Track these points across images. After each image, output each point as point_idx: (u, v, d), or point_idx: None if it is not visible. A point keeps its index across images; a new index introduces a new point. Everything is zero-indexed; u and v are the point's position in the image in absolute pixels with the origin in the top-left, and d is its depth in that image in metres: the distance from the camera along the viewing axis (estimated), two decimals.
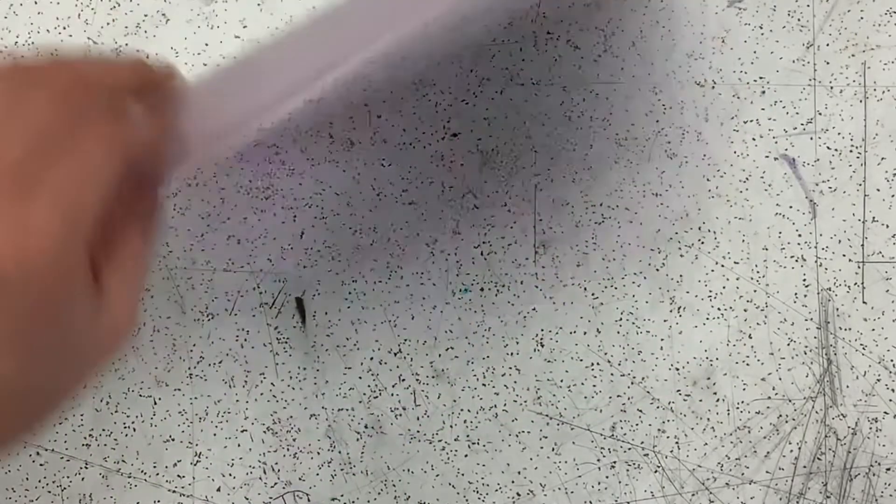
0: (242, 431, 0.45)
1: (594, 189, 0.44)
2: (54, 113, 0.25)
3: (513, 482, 0.45)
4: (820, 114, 0.45)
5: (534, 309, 0.45)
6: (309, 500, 0.45)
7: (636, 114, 0.45)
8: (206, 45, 0.45)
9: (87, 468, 0.45)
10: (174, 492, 0.44)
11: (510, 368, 0.45)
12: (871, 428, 0.45)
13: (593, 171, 0.44)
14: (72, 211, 0.24)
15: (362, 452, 0.45)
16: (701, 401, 0.45)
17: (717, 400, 0.45)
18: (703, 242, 0.45)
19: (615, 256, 0.45)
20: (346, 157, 0.43)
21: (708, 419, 0.45)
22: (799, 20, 0.45)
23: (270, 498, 0.45)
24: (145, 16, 0.45)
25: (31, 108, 0.25)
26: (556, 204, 0.44)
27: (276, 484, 0.45)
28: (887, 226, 0.45)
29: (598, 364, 0.45)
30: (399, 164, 0.43)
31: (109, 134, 0.26)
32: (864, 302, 0.45)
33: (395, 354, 0.45)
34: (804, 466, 0.45)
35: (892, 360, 0.45)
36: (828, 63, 0.45)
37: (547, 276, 0.44)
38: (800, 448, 0.45)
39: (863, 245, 0.45)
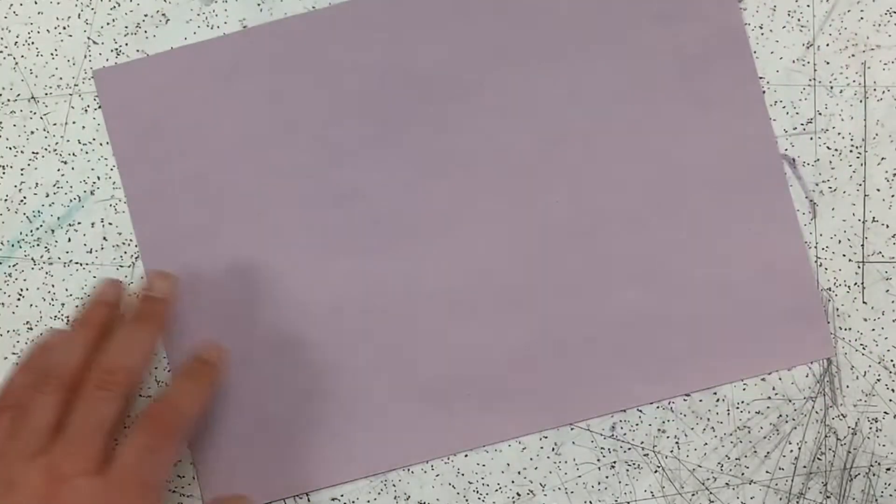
0: None
1: None
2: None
3: (513, 482, 0.45)
4: (820, 114, 0.45)
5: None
6: (309, 501, 0.45)
7: None
8: None
9: None
10: (174, 492, 0.44)
11: None
12: (871, 428, 0.45)
13: None
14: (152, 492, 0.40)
15: None
16: (701, 401, 0.45)
17: (717, 400, 0.45)
18: None
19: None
20: None
21: (708, 419, 0.45)
22: (799, 20, 0.45)
23: (271, 497, 0.45)
24: (145, 16, 0.45)
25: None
26: None
27: None
28: (887, 226, 0.45)
29: None
30: None
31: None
32: (864, 302, 0.45)
33: None
34: (804, 466, 0.45)
35: (892, 360, 0.45)
36: (828, 63, 0.45)
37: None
38: (800, 448, 0.45)
39: (863, 245, 0.45)
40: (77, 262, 0.45)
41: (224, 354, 0.43)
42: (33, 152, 0.45)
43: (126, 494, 0.39)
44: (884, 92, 0.45)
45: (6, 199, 0.45)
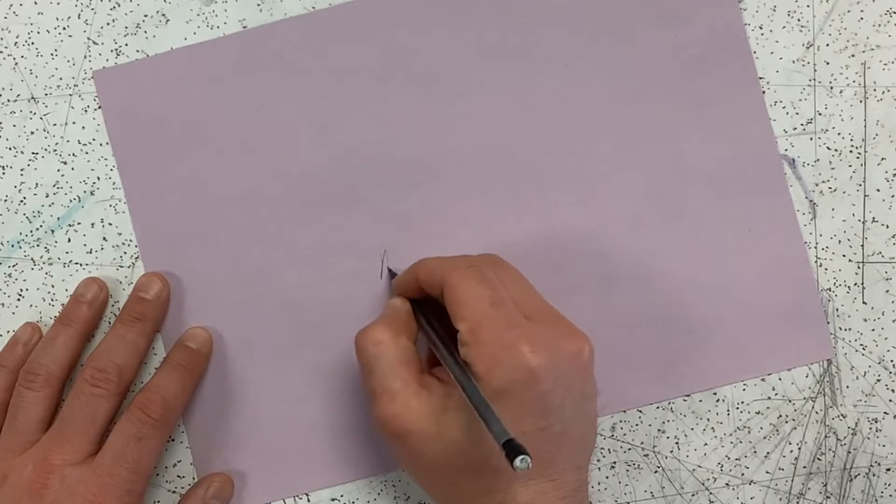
0: None
1: None
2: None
3: None
4: (820, 114, 0.45)
5: None
6: (309, 501, 0.45)
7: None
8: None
9: None
10: (174, 492, 0.44)
11: None
12: (871, 428, 0.45)
13: None
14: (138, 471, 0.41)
15: None
16: (701, 401, 0.45)
17: (717, 400, 0.45)
18: None
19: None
20: None
21: (708, 419, 0.45)
22: (799, 20, 0.45)
23: (271, 498, 0.45)
24: (145, 16, 0.45)
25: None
26: None
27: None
28: (887, 226, 0.45)
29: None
30: None
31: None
32: (864, 302, 0.45)
33: None
34: (804, 467, 0.45)
35: (892, 360, 0.45)
36: (828, 63, 0.45)
37: None
38: (800, 448, 0.45)
39: (863, 245, 0.45)
40: (77, 263, 0.45)
41: (210, 338, 0.44)
42: (33, 152, 0.45)
43: (113, 481, 0.40)
44: (884, 92, 0.45)
45: (6, 199, 0.45)
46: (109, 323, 0.44)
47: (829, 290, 0.45)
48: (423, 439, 0.37)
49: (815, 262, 0.45)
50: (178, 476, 0.44)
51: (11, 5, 0.45)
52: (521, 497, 0.36)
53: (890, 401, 0.45)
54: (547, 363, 0.36)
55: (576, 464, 0.38)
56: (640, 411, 0.45)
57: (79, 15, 0.45)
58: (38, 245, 0.45)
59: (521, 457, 0.31)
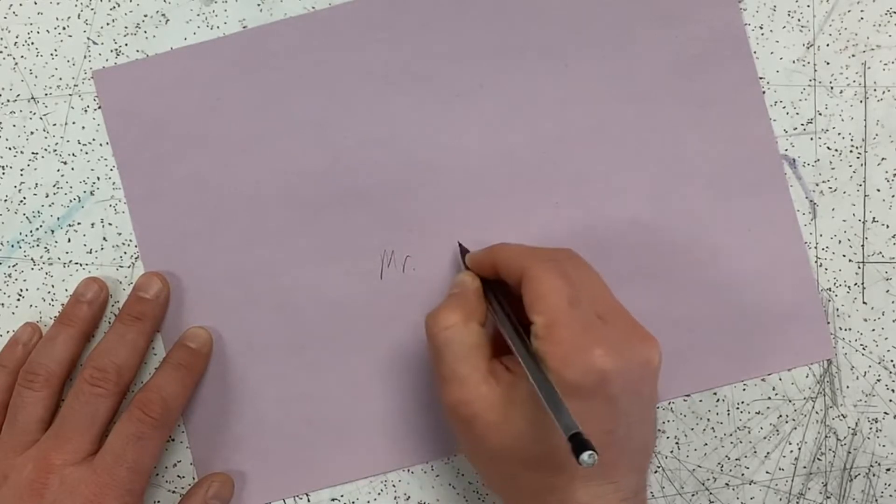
0: None
1: None
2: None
3: None
4: (820, 114, 0.45)
5: None
6: (309, 501, 0.45)
7: None
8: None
9: None
10: (174, 492, 0.44)
11: None
12: (871, 428, 0.45)
13: None
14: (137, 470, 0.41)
15: None
16: (701, 401, 0.45)
17: (717, 400, 0.45)
18: None
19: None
20: None
21: (708, 419, 0.45)
22: (799, 20, 0.45)
23: (271, 498, 0.45)
24: (145, 16, 0.45)
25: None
26: None
27: None
28: (887, 226, 0.45)
29: None
30: None
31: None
32: (864, 302, 0.45)
33: None
34: (804, 467, 0.45)
35: (892, 360, 0.45)
36: (828, 63, 0.45)
37: None
38: (800, 448, 0.45)
39: (863, 245, 0.45)
40: (77, 263, 0.45)
41: (210, 338, 0.44)
42: (33, 152, 0.45)
43: (113, 480, 0.40)
44: (884, 92, 0.45)
45: (6, 199, 0.45)
46: (109, 323, 0.44)
47: (829, 290, 0.45)
48: (488, 427, 0.37)
49: (815, 262, 0.45)
50: (178, 476, 0.44)
51: (11, 5, 0.45)
52: (580, 497, 0.36)
53: (890, 401, 0.45)
54: (618, 368, 0.35)
55: (637, 467, 0.38)
56: None
57: (79, 15, 0.45)
58: (38, 245, 0.45)
59: (589, 452, 0.31)
